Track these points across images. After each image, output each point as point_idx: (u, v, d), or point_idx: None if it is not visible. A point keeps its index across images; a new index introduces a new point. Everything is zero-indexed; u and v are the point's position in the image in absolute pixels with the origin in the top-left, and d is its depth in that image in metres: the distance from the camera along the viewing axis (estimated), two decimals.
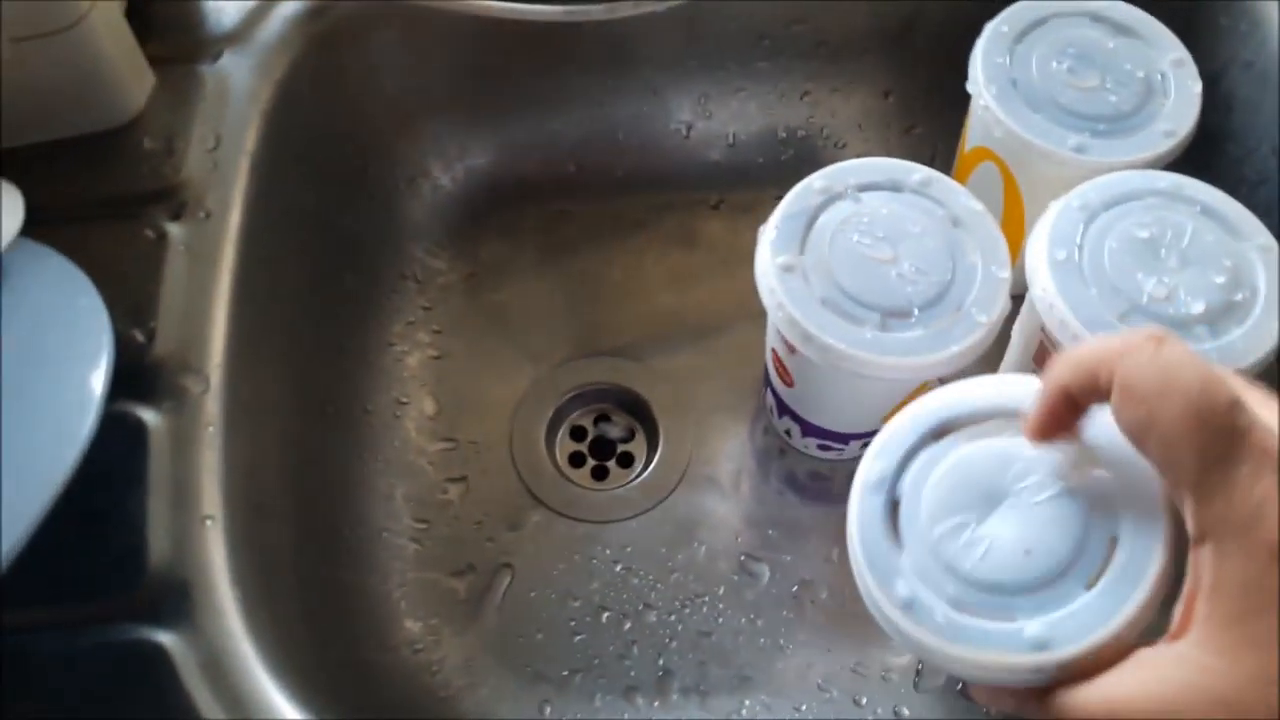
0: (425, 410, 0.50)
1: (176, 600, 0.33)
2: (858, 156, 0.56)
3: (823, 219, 0.40)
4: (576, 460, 0.50)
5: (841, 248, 0.39)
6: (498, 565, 0.46)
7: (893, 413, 0.44)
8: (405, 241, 0.53)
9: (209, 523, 0.34)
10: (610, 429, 0.51)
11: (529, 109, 0.55)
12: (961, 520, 0.29)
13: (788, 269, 0.38)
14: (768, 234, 0.40)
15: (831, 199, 0.40)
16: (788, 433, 0.48)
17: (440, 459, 0.49)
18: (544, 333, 0.53)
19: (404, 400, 0.50)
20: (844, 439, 0.46)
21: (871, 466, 0.31)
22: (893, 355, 0.37)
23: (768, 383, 0.47)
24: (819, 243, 0.39)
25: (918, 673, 0.44)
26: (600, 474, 0.50)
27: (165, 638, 0.32)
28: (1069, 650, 0.26)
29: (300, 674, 0.34)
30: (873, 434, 0.45)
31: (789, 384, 0.44)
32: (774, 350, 0.43)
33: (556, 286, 0.54)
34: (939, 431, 0.31)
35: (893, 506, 0.30)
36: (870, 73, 0.56)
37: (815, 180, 0.40)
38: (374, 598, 0.44)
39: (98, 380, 0.31)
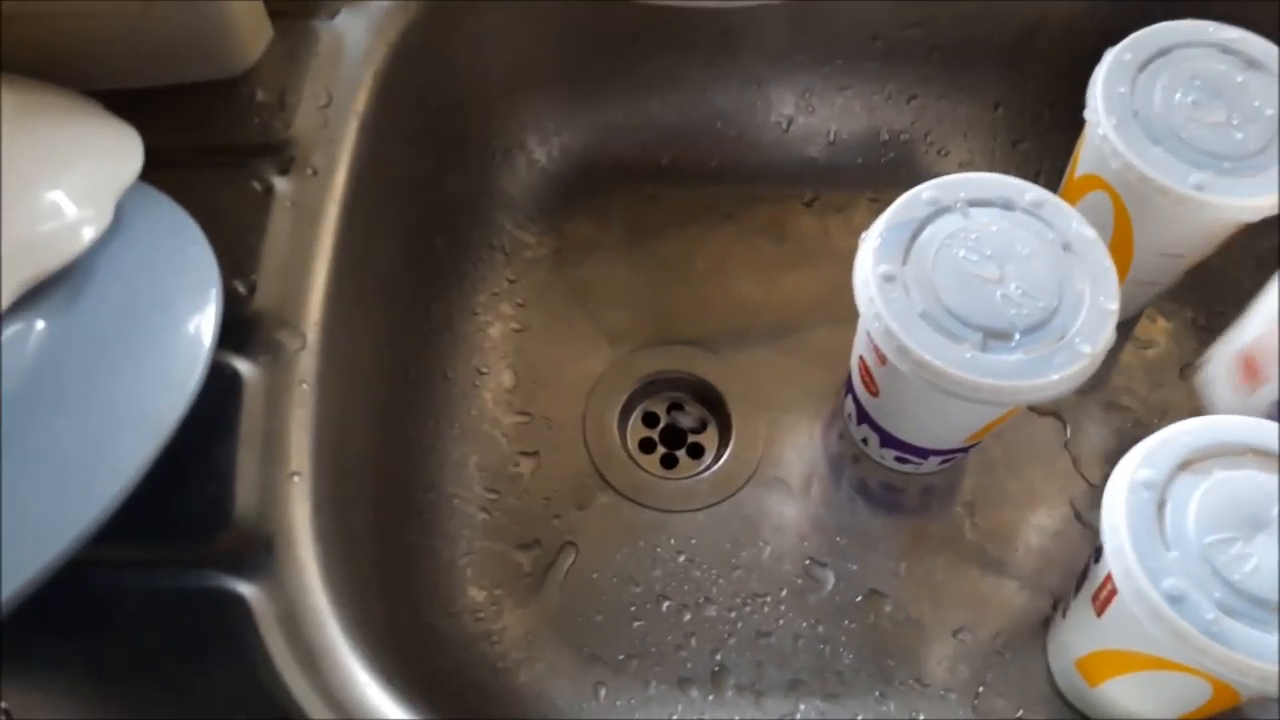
0: (503, 382, 0.50)
1: (259, 552, 0.33)
2: (960, 166, 0.56)
3: (929, 231, 0.39)
4: (646, 446, 0.50)
5: (946, 262, 0.38)
6: (563, 543, 0.46)
7: (979, 434, 0.43)
8: (496, 212, 0.53)
9: (296, 479, 0.34)
10: (683, 418, 0.51)
11: (631, 90, 0.54)
12: (1230, 535, 0.32)
13: (889, 279, 0.38)
14: (871, 241, 0.39)
15: (940, 211, 0.39)
16: (865, 441, 0.47)
17: (514, 431, 0.49)
18: (625, 315, 0.52)
19: (483, 370, 0.50)
20: (924, 453, 0.45)
21: (1139, 470, 0.34)
22: (990, 377, 0.36)
23: (849, 389, 0.46)
24: (923, 255, 0.38)
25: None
26: (669, 462, 0.50)
27: (245, 588, 0.33)
28: None
29: (371, 633, 0.34)
30: (954, 451, 0.45)
31: (874, 394, 0.43)
32: (862, 358, 0.42)
33: (641, 270, 0.54)
34: (1202, 454, 0.34)
35: (1159, 509, 0.33)
36: (982, 83, 0.55)
37: (924, 190, 0.40)
38: (441, 563, 0.44)
39: (207, 330, 0.31)
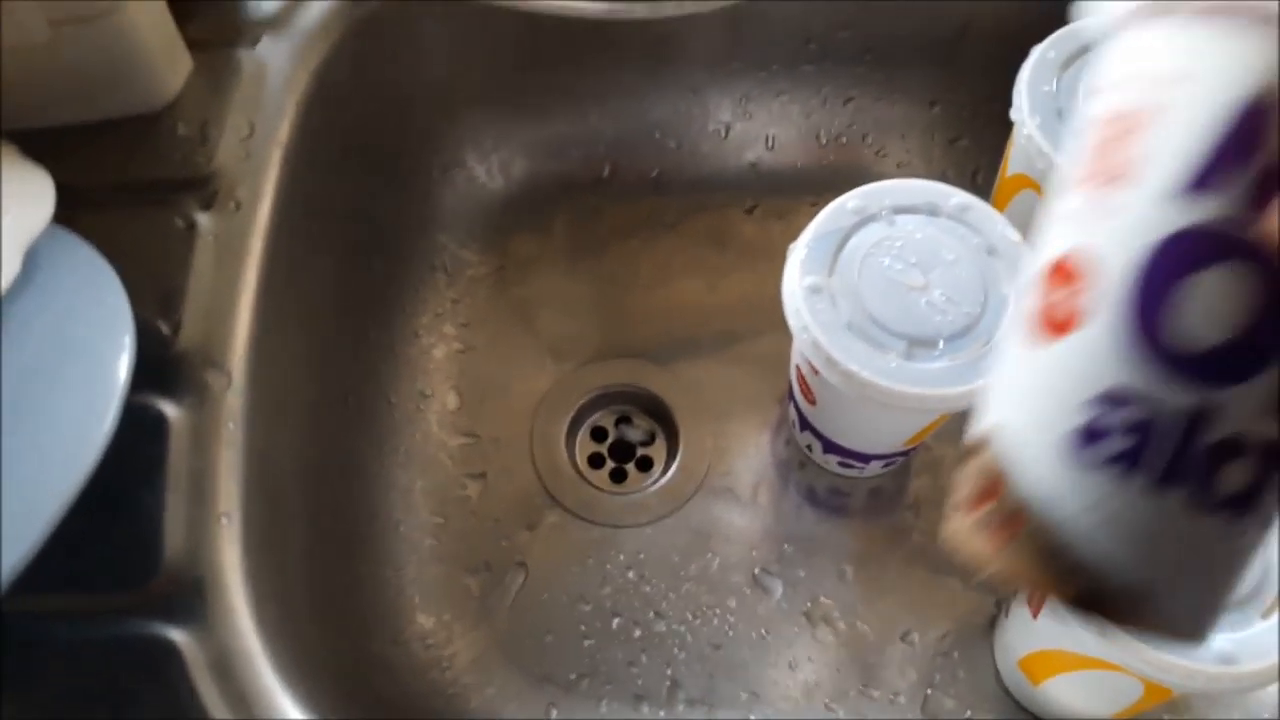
0: (448, 404, 0.50)
1: (189, 597, 0.33)
2: (899, 166, 0.56)
3: (854, 240, 0.39)
4: (596, 461, 0.50)
5: (872, 271, 0.38)
6: (512, 564, 0.46)
7: (916, 438, 0.43)
8: (436, 232, 0.53)
9: (224, 520, 0.34)
10: (631, 432, 0.51)
11: (568, 103, 0.54)
12: None
13: (815, 290, 0.38)
14: (797, 253, 0.39)
15: (865, 220, 0.39)
16: (809, 447, 0.47)
17: (460, 454, 0.49)
18: (570, 331, 0.52)
19: (427, 393, 0.50)
20: (865, 458, 0.45)
21: None
22: (917, 386, 0.36)
23: (791, 397, 0.46)
24: (849, 265, 0.38)
25: None
26: (619, 476, 0.50)
27: (176, 634, 0.32)
28: (1256, 665, 0.31)
29: (309, 671, 0.34)
30: (895, 455, 0.46)
31: (811, 402, 0.43)
32: (798, 367, 0.42)
33: (585, 284, 0.54)
34: None
35: None
36: (917, 82, 0.55)
37: (849, 200, 0.40)
38: (388, 591, 0.44)
39: (119, 379, 0.31)
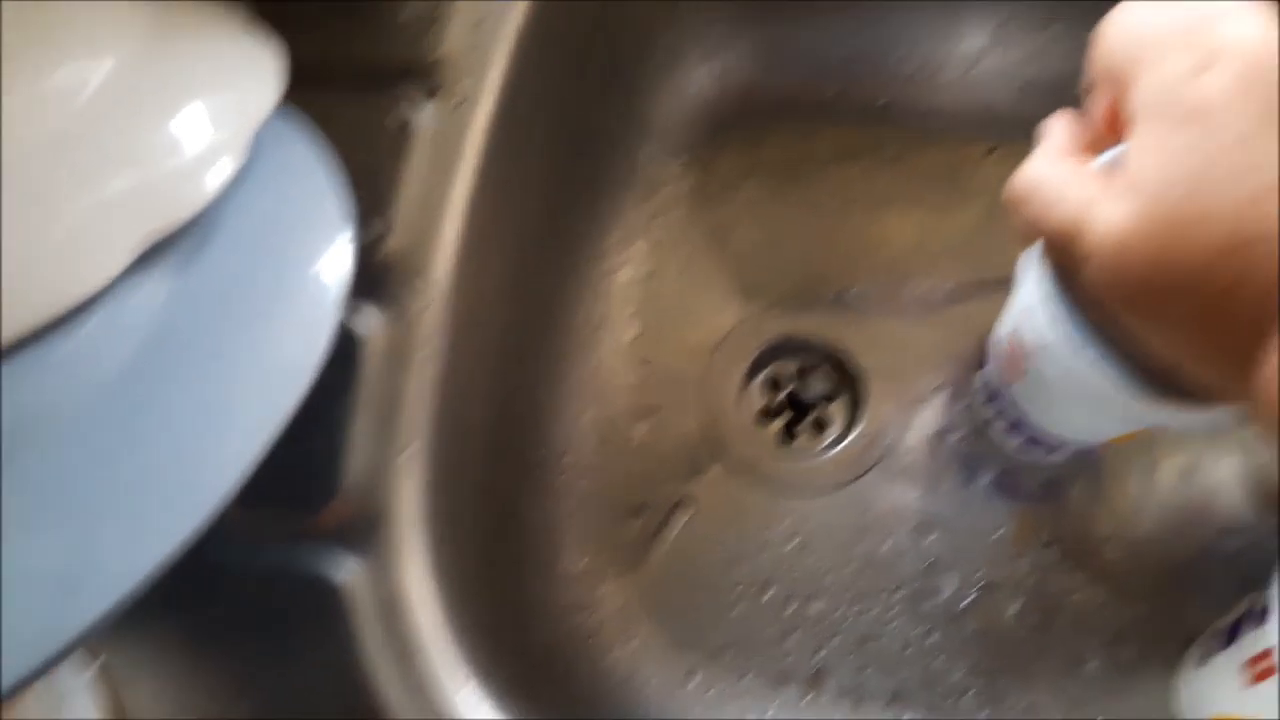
0: (626, 332, 0.47)
1: (365, 529, 0.31)
2: None
3: None
4: (768, 414, 0.47)
5: None
6: (669, 513, 0.44)
7: (1125, 437, 0.38)
8: (640, 140, 0.48)
9: (410, 450, 0.32)
10: (810, 387, 0.47)
11: (805, 10, 0.48)
12: None
13: None
14: None
15: None
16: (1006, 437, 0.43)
17: (631, 388, 0.46)
18: (762, 266, 0.48)
19: (606, 318, 0.46)
20: (1053, 447, 0.41)
21: None
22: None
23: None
24: None
25: None
26: (790, 434, 0.46)
27: (346, 567, 0.31)
28: None
29: (473, 616, 0.33)
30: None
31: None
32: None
33: (786, 216, 0.49)
34: None
35: None
36: None
37: None
38: (546, 524, 0.42)
39: (337, 289, 0.28)
